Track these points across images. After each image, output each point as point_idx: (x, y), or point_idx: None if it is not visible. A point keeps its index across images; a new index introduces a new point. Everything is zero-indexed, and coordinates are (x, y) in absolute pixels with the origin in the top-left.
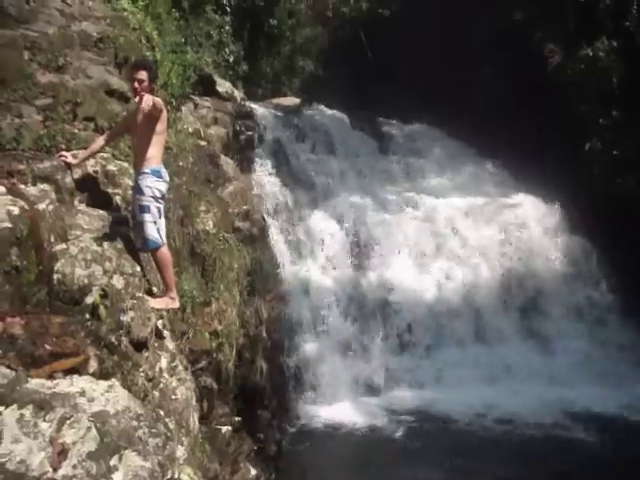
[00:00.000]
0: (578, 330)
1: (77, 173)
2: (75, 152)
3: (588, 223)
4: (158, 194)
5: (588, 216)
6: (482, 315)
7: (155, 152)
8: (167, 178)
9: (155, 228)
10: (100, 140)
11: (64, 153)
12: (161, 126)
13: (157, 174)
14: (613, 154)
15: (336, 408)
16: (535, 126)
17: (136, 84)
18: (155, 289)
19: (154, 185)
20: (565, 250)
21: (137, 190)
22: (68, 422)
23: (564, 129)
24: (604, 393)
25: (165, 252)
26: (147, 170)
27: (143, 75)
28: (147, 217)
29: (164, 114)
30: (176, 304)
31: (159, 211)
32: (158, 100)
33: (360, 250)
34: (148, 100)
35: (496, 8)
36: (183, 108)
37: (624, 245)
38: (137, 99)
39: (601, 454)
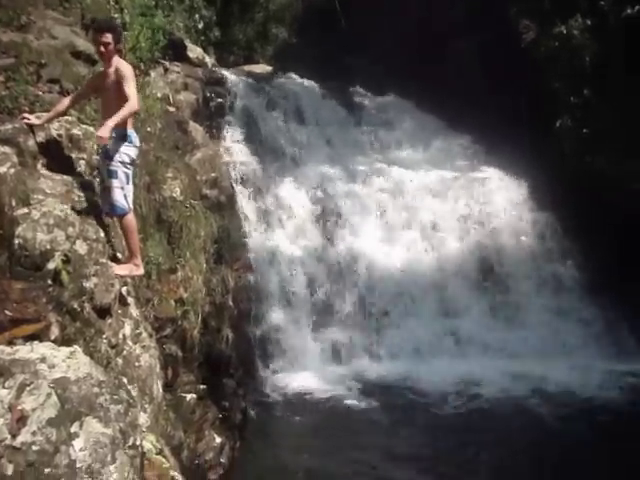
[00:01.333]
0: (544, 305)
1: (40, 136)
2: (39, 114)
3: (556, 200)
4: (127, 159)
5: (557, 193)
6: (449, 288)
7: None
8: (137, 143)
9: (122, 194)
10: (65, 101)
11: (27, 115)
12: None
13: (128, 139)
14: (583, 132)
15: (302, 377)
16: (507, 101)
17: (102, 48)
18: (120, 255)
19: (124, 150)
20: (533, 226)
21: (105, 154)
22: (28, 388)
23: (536, 105)
24: (569, 367)
25: (131, 219)
26: (116, 135)
27: (108, 38)
28: (115, 182)
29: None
30: (140, 271)
31: (127, 177)
32: (127, 67)
33: (329, 220)
34: (104, 132)
35: None
36: (152, 73)
37: (591, 222)
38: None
39: (566, 427)
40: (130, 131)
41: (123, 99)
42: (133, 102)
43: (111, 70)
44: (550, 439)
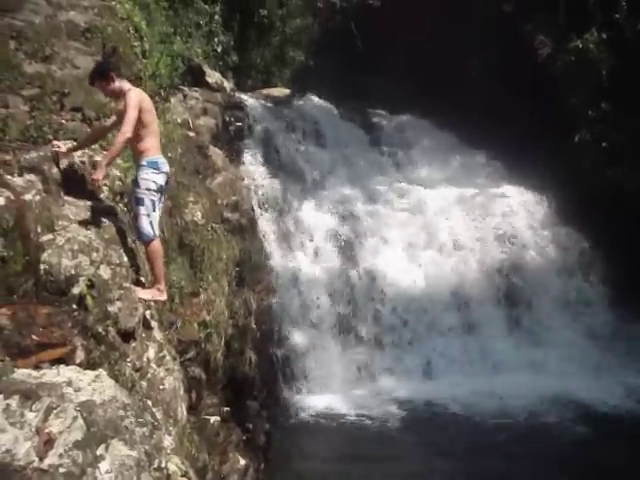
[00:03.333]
0: (567, 321)
1: (64, 164)
2: (65, 142)
3: (577, 214)
4: (153, 186)
5: (577, 207)
6: (471, 306)
7: (149, 144)
8: (166, 169)
9: (148, 221)
10: (97, 132)
11: (56, 142)
12: (148, 117)
13: (154, 165)
14: (602, 146)
15: (326, 398)
16: (525, 118)
17: (103, 93)
18: (143, 279)
19: (150, 177)
20: (554, 241)
21: (134, 182)
22: (54, 412)
23: (554, 121)
24: (592, 383)
25: (156, 245)
26: (144, 162)
27: (98, 84)
28: (141, 210)
29: (146, 104)
30: (163, 297)
31: (153, 204)
32: (131, 96)
33: (349, 241)
34: (98, 175)
35: None
36: (172, 99)
37: (612, 236)
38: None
39: (590, 443)
40: (157, 157)
41: (138, 127)
42: (122, 131)
43: (122, 101)
44: (576, 456)
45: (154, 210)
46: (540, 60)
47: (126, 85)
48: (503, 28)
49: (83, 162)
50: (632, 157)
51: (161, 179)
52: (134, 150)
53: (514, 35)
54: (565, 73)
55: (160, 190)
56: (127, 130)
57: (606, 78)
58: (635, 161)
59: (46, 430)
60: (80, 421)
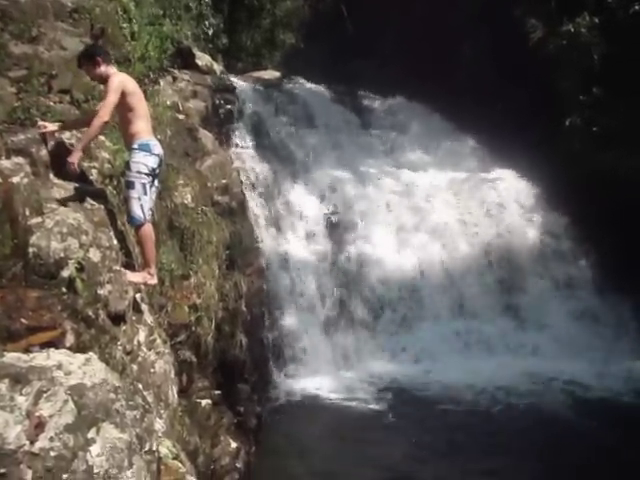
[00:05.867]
0: (558, 305)
1: (52, 146)
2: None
3: (567, 199)
4: (144, 169)
5: (568, 192)
6: (461, 290)
7: (139, 127)
8: (158, 151)
9: (139, 204)
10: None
11: (43, 122)
12: (133, 100)
13: (146, 148)
14: (593, 130)
15: (316, 381)
16: (516, 102)
17: (90, 77)
18: (134, 262)
19: (141, 160)
20: (544, 226)
21: (126, 166)
22: (45, 395)
23: (545, 105)
24: (582, 367)
25: (147, 229)
26: (135, 146)
27: (87, 68)
28: (132, 193)
29: (130, 87)
30: (154, 280)
31: (143, 187)
32: (112, 80)
33: (340, 224)
34: (73, 158)
35: None
36: (161, 81)
37: (602, 221)
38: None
39: (580, 425)
40: (148, 140)
41: (125, 111)
42: (100, 115)
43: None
44: (566, 439)
45: (145, 193)
46: (531, 44)
47: (111, 70)
48: (494, 12)
49: (72, 144)
50: (623, 141)
51: (153, 162)
52: (125, 134)
53: (505, 19)
54: (556, 57)
55: (152, 173)
56: (104, 114)
57: (598, 62)
58: (626, 145)
59: (37, 414)
60: (71, 404)
